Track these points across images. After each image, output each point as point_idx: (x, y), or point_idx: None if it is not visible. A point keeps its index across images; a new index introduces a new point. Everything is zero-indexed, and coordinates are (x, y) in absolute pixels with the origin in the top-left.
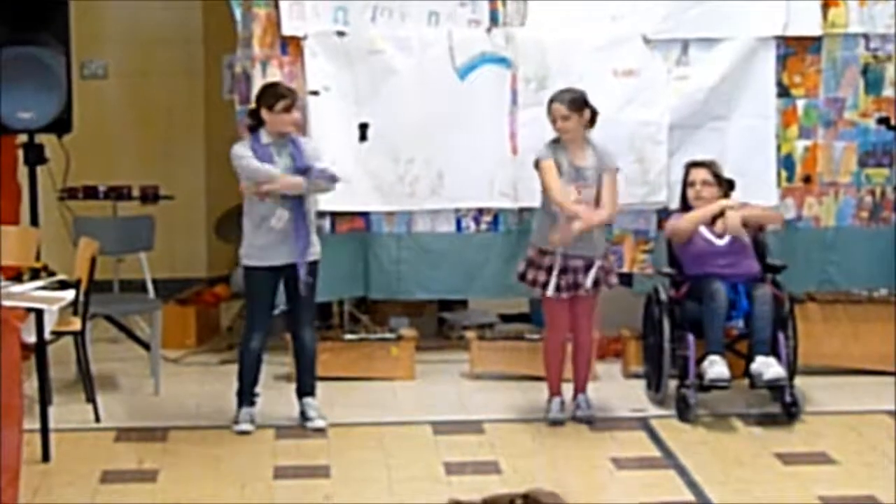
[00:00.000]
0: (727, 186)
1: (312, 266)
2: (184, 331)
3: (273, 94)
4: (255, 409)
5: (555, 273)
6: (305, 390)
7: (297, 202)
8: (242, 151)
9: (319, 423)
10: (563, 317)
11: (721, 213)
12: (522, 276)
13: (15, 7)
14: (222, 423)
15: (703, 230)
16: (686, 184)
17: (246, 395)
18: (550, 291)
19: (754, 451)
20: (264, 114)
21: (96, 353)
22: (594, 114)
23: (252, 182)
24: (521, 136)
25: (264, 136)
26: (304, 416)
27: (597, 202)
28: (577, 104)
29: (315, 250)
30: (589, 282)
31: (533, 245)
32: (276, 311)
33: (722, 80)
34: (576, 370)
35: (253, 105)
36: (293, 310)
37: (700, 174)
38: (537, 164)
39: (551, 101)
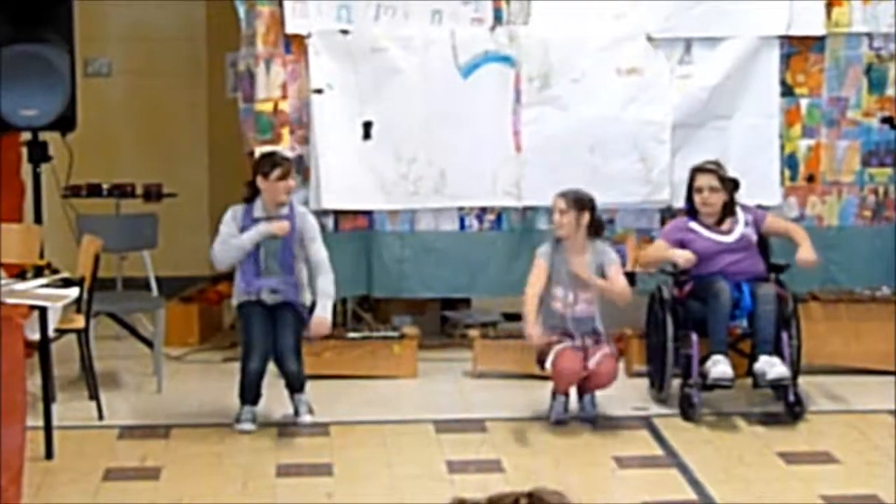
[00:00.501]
0: (732, 186)
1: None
2: (187, 328)
3: (269, 162)
4: (256, 407)
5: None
6: (295, 388)
7: (285, 266)
8: (225, 228)
9: (307, 419)
10: (577, 363)
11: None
12: (541, 361)
13: (18, 4)
14: (225, 421)
15: (708, 232)
16: (692, 189)
17: (247, 397)
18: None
19: (757, 451)
20: (260, 182)
21: (99, 351)
22: (599, 224)
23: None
24: (525, 134)
25: (258, 209)
26: (295, 412)
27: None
28: (579, 203)
29: (305, 299)
30: (593, 363)
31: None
32: None
33: (725, 79)
34: (589, 381)
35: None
36: (277, 336)
37: (707, 180)
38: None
39: (557, 195)
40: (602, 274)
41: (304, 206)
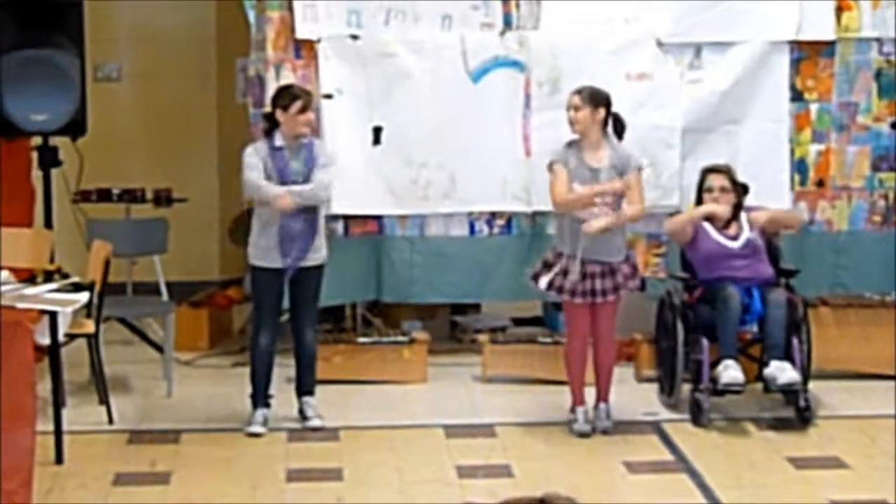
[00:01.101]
0: (741, 191)
1: (318, 270)
2: (196, 333)
3: (288, 95)
4: (268, 410)
5: (570, 278)
6: (305, 389)
7: (307, 206)
8: (252, 161)
9: (316, 423)
10: (583, 321)
11: (709, 218)
12: (535, 277)
13: (29, 9)
14: (234, 426)
15: (716, 234)
16: (702, 189)
17: (259, 397)
18: (571, 299)
19: (767, 455)
20: (279, 115)
21: (109, 356)
22: (616, 119)
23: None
24: (535, 139)
25: (279, 139)
26: (302, 414)
27: (618, 204)
28: (594, 99)
29: (320, 255)
30: (602, 285)
31: (552, 248)
32: (284, 318)
33: (735, 84)
34: (598, 378)
35: (268, 108)
36: (295, 311)
37: (718, 181)
38: (550, 167)
39: (572, 92)
40: (620, 178)
41: None
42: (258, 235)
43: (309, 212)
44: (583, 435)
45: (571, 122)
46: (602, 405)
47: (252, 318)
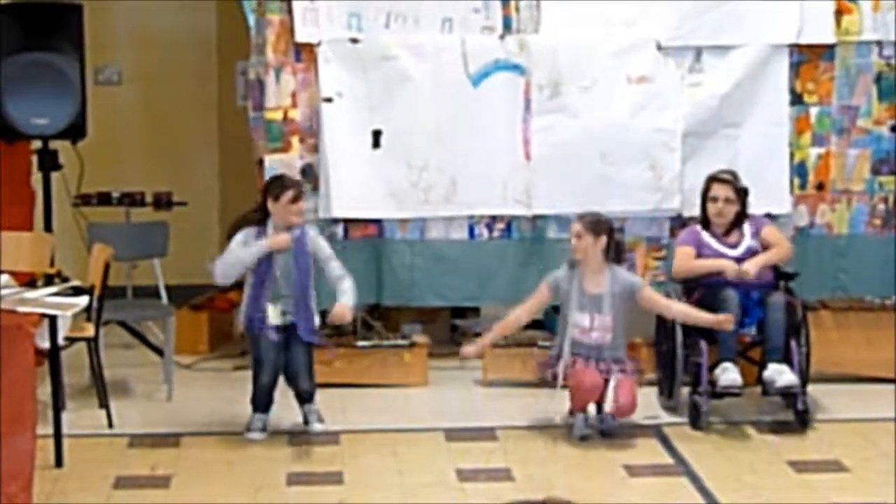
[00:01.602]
0: (743, 195)
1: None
2: (197, 337)
3: (279, 185)
4: (267, 416)
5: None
6: (304, 398)
7: (299, 287)
8: (233, 245)
9: (317, 427)
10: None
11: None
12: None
13: (29, 13)
14: (235, 429)
15: (716, 244)
16: (707, 198)
17: (259, 404)
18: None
19: (767, 459)
20: (270, 205)
21: (109, 359)
22: (619, 246)
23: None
24: (535, 142)
25: (270, 229)
26: (305, 421)
27: (614, 329)
28: (595, 227)
29: (315, 322)
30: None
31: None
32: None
33: (735, 88)
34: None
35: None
36: (289, 355)
37: (724, 191)
38: (542, 284)
39: (575, 218)
40: (624, 304)
41: (314, 213)
42: (252, 301)
43: (302, 292)
44: (582, 438)
45: (573, 250)
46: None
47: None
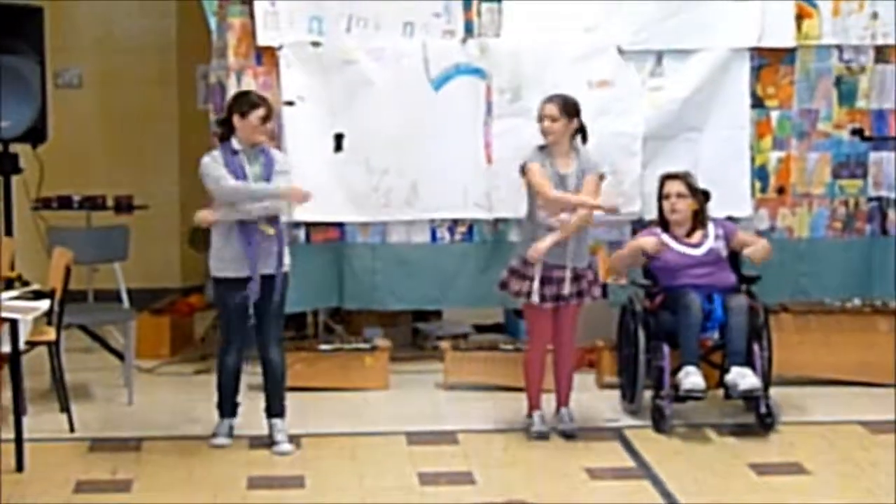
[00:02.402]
0: (703, 198)
1: (282, 280)
2: (158, 341)
3: (247, 103)
4: (234, 420)
5: (536, 280)
6: (273, 412)
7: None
8: (216, 171)
9: (285, 448)
10: (545, 327)
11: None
12: (504, 285)
13: None
14: (196, 434)
15: (678, 245)
16: (661, 196)
17: (225, 407)
18: (535, 299)
19: (728, 462)
20: (236, 121)
21: (70, 363)
22: (583, 128)
23: (229, 202)
24: (496, 146)
25: (235, 144)
26: (271, 438)
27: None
28: (568, 110)
29: (284, 263)
30: (567, 289)
31: (518, 255)
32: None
33: (696, 92)
34: (558, 383)
35: (224, 114)
36: (259, 325)
37: (674, 187)
38: (523, 169)
39: (544, 100)
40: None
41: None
42: (222, 248)
43: (271, 219)
44: (540, 436)
45: (545, 133)
46: (563, 410)
47: (219, 332)
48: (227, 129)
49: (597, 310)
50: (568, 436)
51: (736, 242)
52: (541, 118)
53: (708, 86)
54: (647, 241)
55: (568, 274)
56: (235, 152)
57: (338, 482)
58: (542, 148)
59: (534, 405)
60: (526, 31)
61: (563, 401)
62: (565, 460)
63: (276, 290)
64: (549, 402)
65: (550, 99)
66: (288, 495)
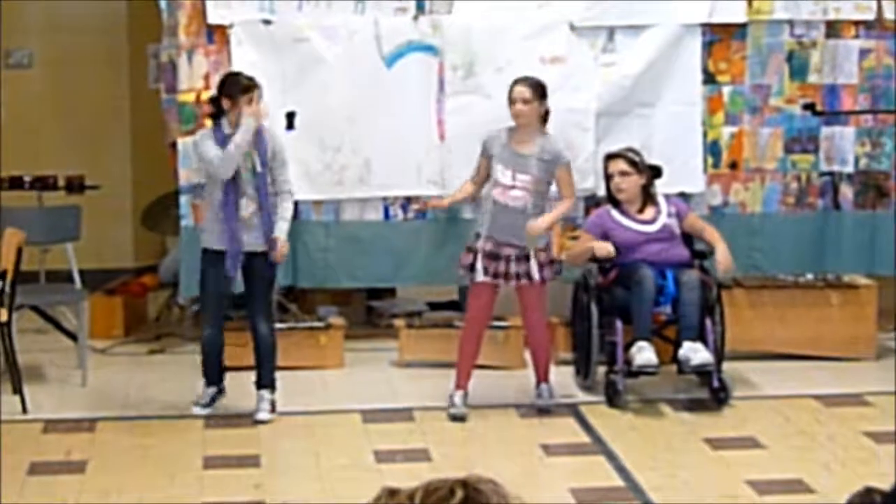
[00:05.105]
0: (653, 173)
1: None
2: (111, 321)
3: (237, 85)
4: (213, 390)
5: (480, 256)
6: (262, 383)
7: (262, 192)
8: (208, 142)
9: (262, 416)
10: (484, 306)
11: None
12: (465, 265)
13: None
14: (151, 413)
15: (630, 222)
16: (606, 176)
17: (210, 377)
18: (479, 276)
19: (683, 437)
20: (226, 104)
21: (23, 344)
22: (547, 113)
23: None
24: (449, 123)
25: (226, 126)
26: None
27: (534, 195)
28: (541, 91)
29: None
30: (514, 268)
31: (475, 232)
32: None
33: (648, 67)
34: (535, 361)
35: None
36: (247, 300)
37: (617, 165)
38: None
39: (516, 82)
40: (548, 172)
41: None
42: (212, 221)
43: (264, 197)
44: (456, 418)
45: (518, 115)
46: (543, 385)
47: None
48: (216, 109)
49: (551, 286)
50: (546, 411)
51: (687, 225)
52: (513, 100)
53: (660, 62)
54: (599, 246)
55: (513, 252)
56: (228, 136)
57: (294, 461)
58: (510, 129)
59: (459, 384)
60: (478, 8)
61: (541, 377)
62: (521, 437)
63: (262, 266)
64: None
65: (522, 81)
66: (244, 474)
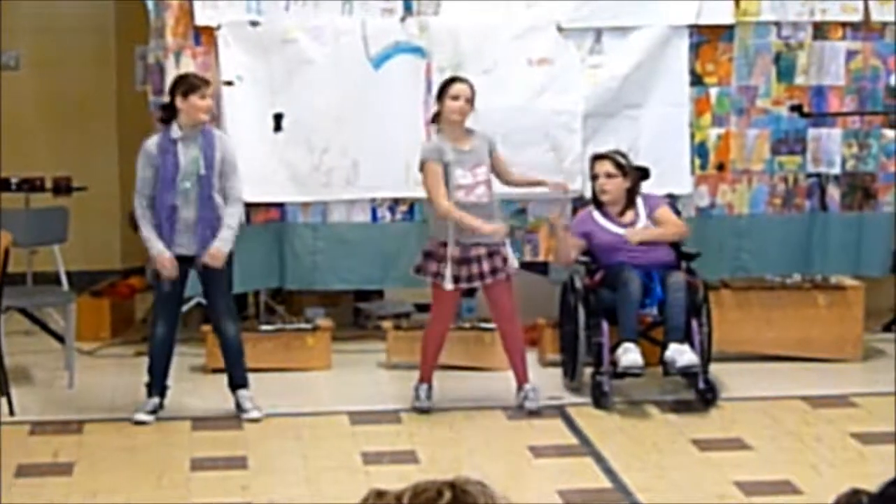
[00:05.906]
0: (639, 175)
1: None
2: (98, 323)
3: (186, 83)
4: (159, 400)
5: (449, 264)
6: (236, 382)
7: (203, 195)
8: (141, 172)
9: (254, 414)
10: (448, 308)
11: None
12: (418, 270)
13: None
14: None
15: (611, 224)
16: (592, 177)
17: (154, 386)
18: (448, 285)
19: (670, 438)
20: (179, 102)
21: (10, 346)
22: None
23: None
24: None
25: (176, 130)
26: (239, 407)
27: (488, 184)
28: (474, 92)
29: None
30: (486, 266)
31: (431, 238)
32: (192, 303)
33: (635, 69)
34: (513, 362)
35: (166, 98)
36: (209, 303)
37: (603, 167)
38: (423, 166)
39: (458, 81)
40: (490, 153)
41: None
42: (159, 222)
43: (204, 201)
44: (420, 410)
45: (462, 112)
46: (527, 386)
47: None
48: (168, 113)
49: (538, 287)
50: (534, 413)
51: (654, 216)
52: (456, 97)
53: (647, 63)
54: (573, 244)
55: (483, 251)
56: (173, 140)
57: (281, 463)
58: (439, 131)
59: (423, 377)
60: (465, 9)
61: (522, 379)
62: (508, 438)
63: (217, 269)
64: (503, 379)
65: (465, 80)
66: (231, 476)
